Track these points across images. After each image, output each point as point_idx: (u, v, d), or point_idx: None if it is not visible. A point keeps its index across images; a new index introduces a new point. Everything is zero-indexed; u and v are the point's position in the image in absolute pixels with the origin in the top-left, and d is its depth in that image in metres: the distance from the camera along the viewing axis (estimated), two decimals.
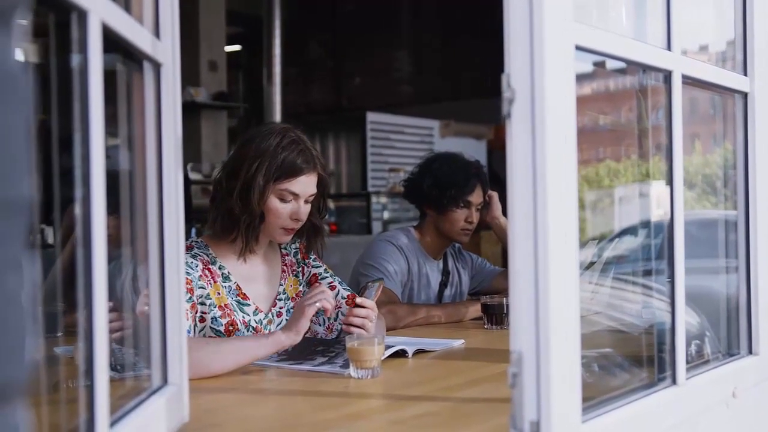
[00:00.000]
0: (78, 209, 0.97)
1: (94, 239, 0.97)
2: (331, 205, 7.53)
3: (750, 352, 1.75)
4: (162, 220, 1.32)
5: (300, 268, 2.30)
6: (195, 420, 1.41)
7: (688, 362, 1.49)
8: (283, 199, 2.09)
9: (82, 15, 0.96)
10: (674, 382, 1.46)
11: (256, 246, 2.16)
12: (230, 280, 2.12)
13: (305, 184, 2.10)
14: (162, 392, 1.30)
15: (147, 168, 1.31)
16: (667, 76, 1.47)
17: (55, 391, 1.17)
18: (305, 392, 1.72)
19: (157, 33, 1.31)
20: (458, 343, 2.28)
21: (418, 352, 2.11)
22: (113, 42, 1.08)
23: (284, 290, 2.24)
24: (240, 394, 1.73)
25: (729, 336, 1.81)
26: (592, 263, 1.88)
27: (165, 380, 1.33)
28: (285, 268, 2.27)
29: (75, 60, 0.98)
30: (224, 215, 2.10)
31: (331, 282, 2.28)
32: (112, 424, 1.04)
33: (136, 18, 1.21)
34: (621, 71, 1.64)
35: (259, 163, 2.05)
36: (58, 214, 1.07)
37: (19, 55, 0.56)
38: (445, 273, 3.05)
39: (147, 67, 1.29)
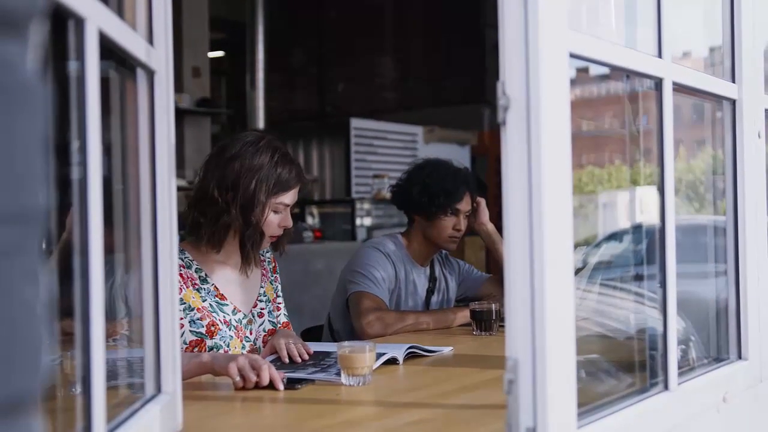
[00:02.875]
0: (74, 216, 0.97)
1: (91, 246, 0.96)
2: (315, 211, 7.51)
3: (739, 357, 1.76)
4: (155, 227, 1.31)
5: (272, 278, 2.40)
6: (188, 428, 1.40)
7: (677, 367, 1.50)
8: (276, 211, 2.19)
9: (80, 22, 0.95)
10: (666, 387, 1.47)
11: (257, 258, 2.25)
12: (208, 283, 2.19)
13: (295, 195, 2.23)
14: (156, 401, 1.29)
15: (140, 175, 1.30)
16: (658, 83, 1.48)
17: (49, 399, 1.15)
18: (298, 400, 1.71)
19: (150, 40, 1.31)
20: (447, 350, 2.29)
21: (410, 355, 2.11)
22: (108, 49, 1.08)
23: (264, 292, 2.32)
24: (233, 403, 1.72)
25: (718, 341, 1.82)
26: (579, 269, 1.89)
27: (159, 389, 1.32)
28: (264, 272, 2.35)
29: (71, 66, 0.97)
30: (221, 228, 2.14)
31: (280, 303, 2.39)
32: None
33: (129, 25, 1.21)
34: (605, 77, 1.65)
35: (257, 181, 2.13)
36: (54, 222, 1.05)
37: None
38: (432, 279, 3.05)
39: (140, 74, 1.29)
